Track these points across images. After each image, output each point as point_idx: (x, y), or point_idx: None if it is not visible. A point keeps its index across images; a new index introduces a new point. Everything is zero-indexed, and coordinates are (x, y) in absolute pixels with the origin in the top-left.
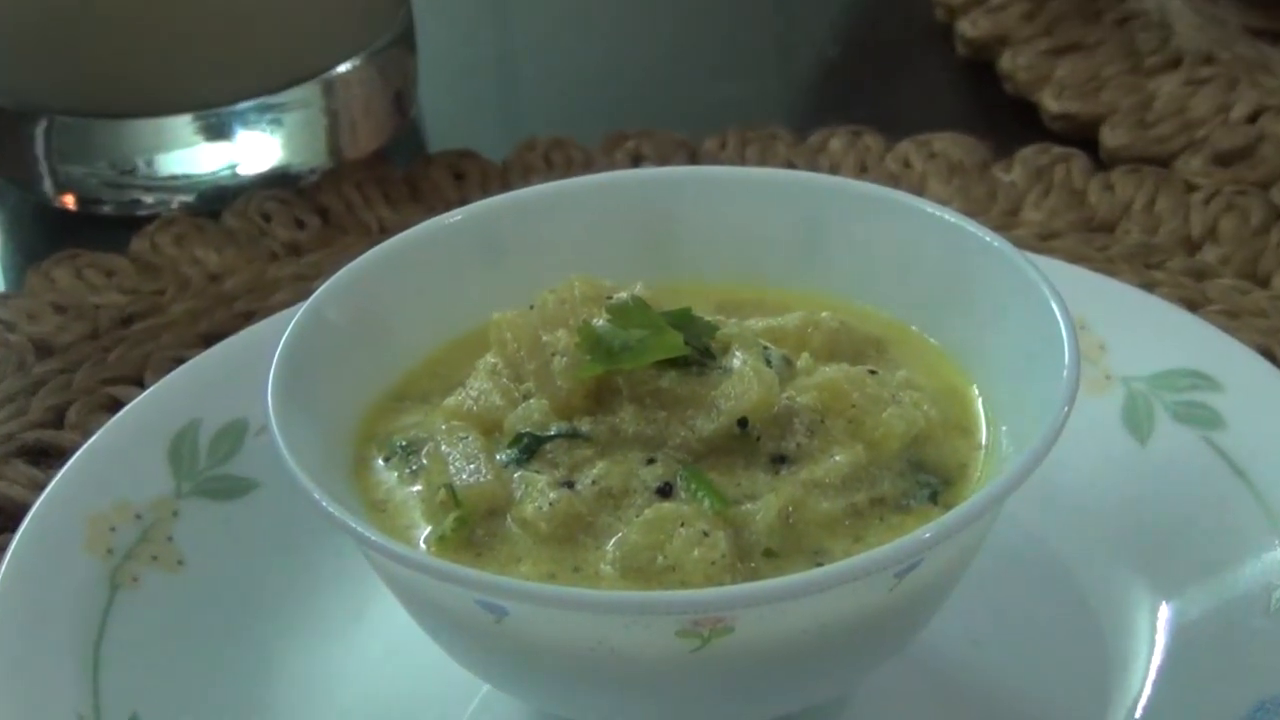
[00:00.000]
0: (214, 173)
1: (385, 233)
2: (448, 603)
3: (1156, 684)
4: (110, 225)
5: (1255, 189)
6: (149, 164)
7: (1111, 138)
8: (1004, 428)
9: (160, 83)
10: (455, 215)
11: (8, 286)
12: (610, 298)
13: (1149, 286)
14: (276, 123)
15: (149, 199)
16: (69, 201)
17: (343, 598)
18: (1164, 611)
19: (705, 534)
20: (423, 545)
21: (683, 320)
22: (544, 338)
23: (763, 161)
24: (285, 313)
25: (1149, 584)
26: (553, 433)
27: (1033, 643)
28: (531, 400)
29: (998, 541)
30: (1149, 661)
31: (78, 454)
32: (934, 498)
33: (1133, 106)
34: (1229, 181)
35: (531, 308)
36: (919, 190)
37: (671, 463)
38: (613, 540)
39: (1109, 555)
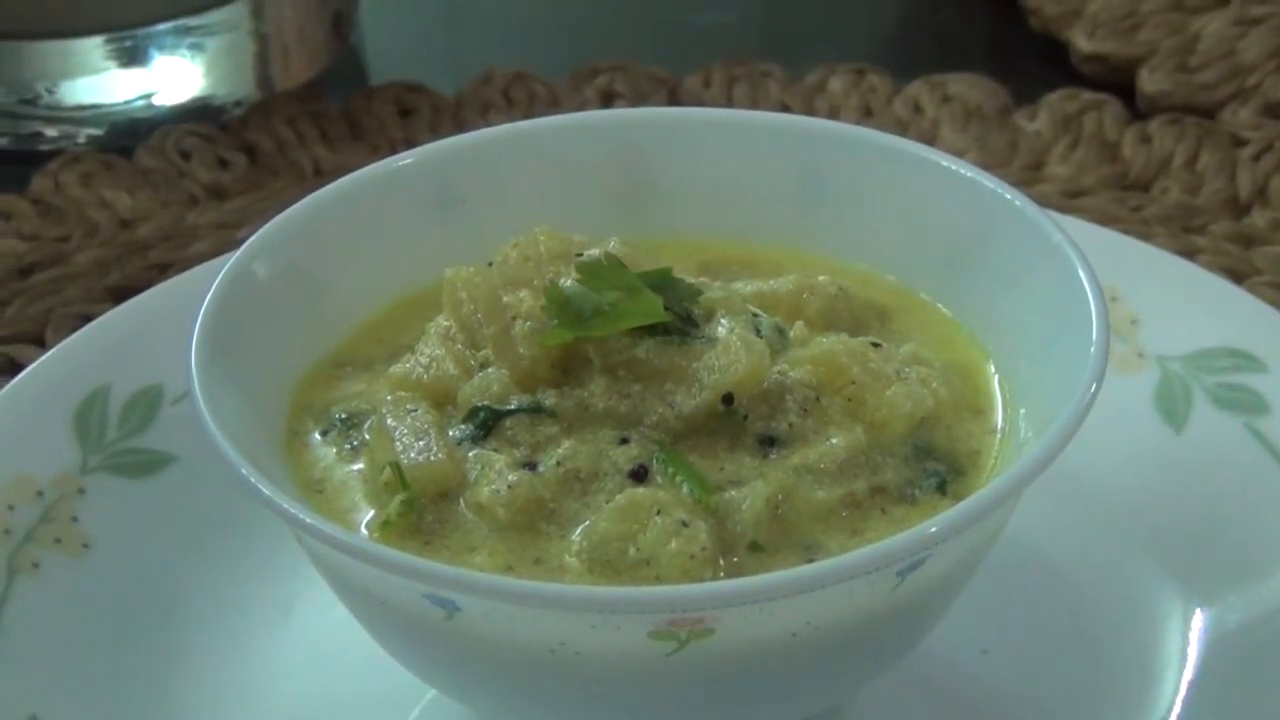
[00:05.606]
0: (126, 103)
1: (321, 176)
2: (391, 596)
3: (1188, 702)
4: (7, 161)
5: None
6: (52, 92)
7: (1150, 83)
8: (1022, 410)
9: None
10: (403, 158)
11: None
12: (580, 254)
13: (1189, 253)
14: (198, 47)
15: (52, 132)
16: None
17: (270, 589)
18: (1198, 620)
19: (684, 524)
20: (364, 531)
21: (662, 282)
22: (504, 299)
23: (753, 102)
24: (208, 265)
25: (1182, 589)
26: (513, 407)
27: (1048, 653)
28: (489, 369)
29: (1012, 539)
30: (1180, 676)
31: None
32: (942, 488)
33: (1174, 48)
34: None
35: (490, 264)
36: (930, 139)
37: (647, 443)
38: (579, 529)
39: (1137, 556)
